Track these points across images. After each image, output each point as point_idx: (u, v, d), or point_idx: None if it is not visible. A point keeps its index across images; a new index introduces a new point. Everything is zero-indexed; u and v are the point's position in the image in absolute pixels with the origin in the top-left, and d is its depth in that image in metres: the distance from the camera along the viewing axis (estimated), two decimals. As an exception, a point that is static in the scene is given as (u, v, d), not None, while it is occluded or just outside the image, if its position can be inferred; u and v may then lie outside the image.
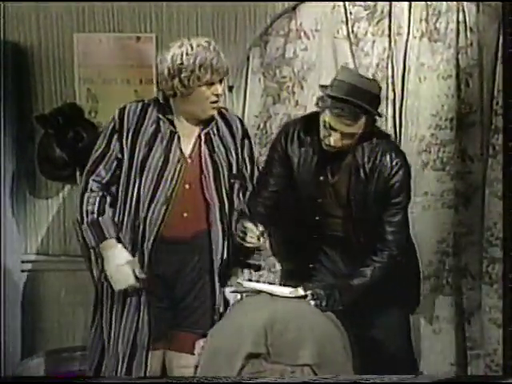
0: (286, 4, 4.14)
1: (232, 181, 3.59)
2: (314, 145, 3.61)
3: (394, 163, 3.56)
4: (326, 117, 3.48)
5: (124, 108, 3.55)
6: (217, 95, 3.48)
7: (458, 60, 4.09)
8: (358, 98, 3.42)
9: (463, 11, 4.06)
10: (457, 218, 4.17)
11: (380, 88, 3.60)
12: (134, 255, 3.50)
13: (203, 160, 3.52)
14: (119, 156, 3.51)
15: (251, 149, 3.70)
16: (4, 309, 4.14)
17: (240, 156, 3.62)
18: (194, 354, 3.52)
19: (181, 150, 3.50)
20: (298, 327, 3.32)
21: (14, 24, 4.26)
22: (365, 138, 3.55)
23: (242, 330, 3.32)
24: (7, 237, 4.26)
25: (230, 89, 4.20)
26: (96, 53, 4.26)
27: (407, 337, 3.81)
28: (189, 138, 3.52)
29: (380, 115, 3.60)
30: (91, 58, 4.26)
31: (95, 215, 3.50)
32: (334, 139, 3.48)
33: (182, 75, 3.41)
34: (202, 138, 3.54)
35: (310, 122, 3.65)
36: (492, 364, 4.14)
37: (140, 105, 3.56)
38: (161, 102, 3.55)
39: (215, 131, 3.57)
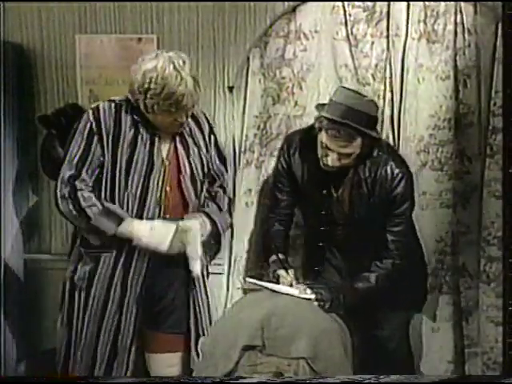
0: (286, 5, 4.15)
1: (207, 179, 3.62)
2: (316, 159, 3.63)
3: (395, 174, 3.59)
4: (323, 137, 3.52)
5: (98, 108, 3.45)
6: (181, 123, 3.44)
7: (455, 61, 4.10)
8: (354, 120, 3.45)
9: (461, 13, 4.06)
10: (455, 217, 4.18)
11: (377, 108, 3.63)
12: (124, 259, 3.46)
13: (181, 161, 3.50)
14: (101, 159, 3.42)
15: (217, 144, 3.69)
16: (4, 308, 4.15)
17: (210, 152, 3.62)
18: (177, 351, 3.56)
19: (161, 153, 3.46)
20: (295, 322, 3.36)
21: (17, 26, 4.28)
22: (364, 157, 3.58)
23: (240, 323, 3.37)
24: (10, 235, 4.28)
25: (231, 89, 4.21)
26: (98, 54, 4.27)
27: (406, 335, 3.86)
28: (164, 138, 3.49)
29: (378, 137, 3.61)
30: (93, 59, 4.28)
31: (99, 205, 3.40)
32: (331, 159, 3.53)
33: (147, 100, 3.36)
34: (177, 138, 3.52)
35: (309, 136, 3.68)
36: (489, 362, 4.14)
37: (113, 105, 3.46)
38: (132, 103, 3.45)
39: (187, 130, 3.55)
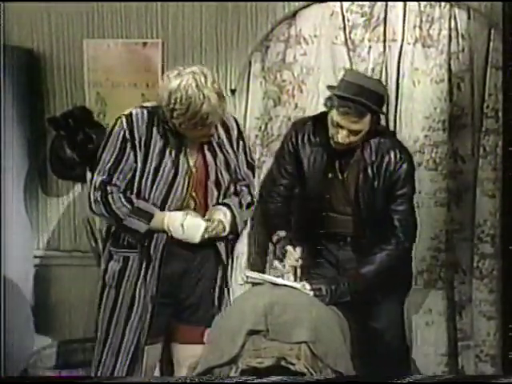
0: (287, 10, 4.23)
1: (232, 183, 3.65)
2: (324, 144, 3.74)
3: (398, 158, 3.70)
4: (334, 115, 3.62)
5: (131, 115, 3.46)
6: (210, 134, 3.49)
7: (450, 65, 4.16)
8: (364, 97, 3.57)
9: (455, 18, 4.12)
10: (449, 215, 4.23)
11: (385, 89, 3.74)
12: (144, 259, 3.51)
13: (209, 168, 3.54)
14: (134, 165, 3.46)
15: (245, 149, 3.69)
16: (4, 306, 4.14)
17: (238, 157, 3.64)
18: (202, 343, 3.60)
19: (188, 161, 3.50)
20: (296, 310, 3.43)
21: (28, 31, 4.37)
22: (370, 136, 3.69)
23: (245, 311, 3.44)
24: (20, 232, 4.36)
25: (233, 92, 4.29)
26: (105, 58, 4.35)
27: (402, 326, 3.90)
28: (192, 147, 3.52)
29: (384, 114, 3.75)
30: (100, 63, 4.36)
31: (129, 205, 3.45)
32: (341, 136, 3.62)
33: (173, 119, 3.39)
34: (205, 146, 3.54)
35: (318, 123, 3.78)
36: (481, 355, 4.20)
37: (146, 112, 3.47)
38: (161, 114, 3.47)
39: (216, 136, 3.56)
